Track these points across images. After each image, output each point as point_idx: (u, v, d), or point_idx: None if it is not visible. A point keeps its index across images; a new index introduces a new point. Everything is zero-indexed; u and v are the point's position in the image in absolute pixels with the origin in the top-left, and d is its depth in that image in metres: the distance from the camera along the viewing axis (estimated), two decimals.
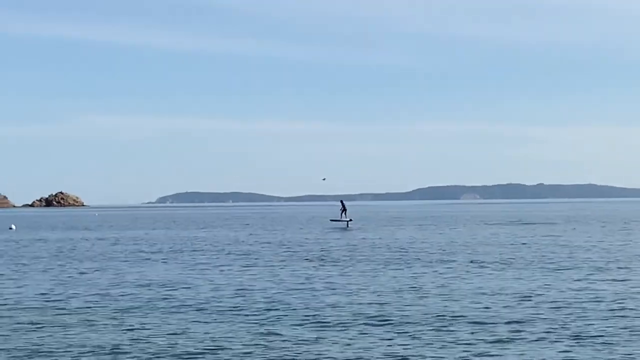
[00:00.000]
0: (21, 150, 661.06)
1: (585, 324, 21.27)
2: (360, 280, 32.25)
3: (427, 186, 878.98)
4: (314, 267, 38.69)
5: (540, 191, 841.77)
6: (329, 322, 22.00)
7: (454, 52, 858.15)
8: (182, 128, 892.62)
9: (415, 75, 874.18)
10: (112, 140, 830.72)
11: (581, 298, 26.24)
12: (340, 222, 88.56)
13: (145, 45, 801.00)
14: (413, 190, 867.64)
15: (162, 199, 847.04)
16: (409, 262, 40.98)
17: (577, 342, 19.02)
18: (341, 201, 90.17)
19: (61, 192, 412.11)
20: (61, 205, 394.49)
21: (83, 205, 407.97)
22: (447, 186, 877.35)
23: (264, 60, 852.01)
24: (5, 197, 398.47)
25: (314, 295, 27.58)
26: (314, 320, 22.31)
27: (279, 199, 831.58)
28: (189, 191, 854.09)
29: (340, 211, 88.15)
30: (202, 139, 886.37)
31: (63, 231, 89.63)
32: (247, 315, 23.49)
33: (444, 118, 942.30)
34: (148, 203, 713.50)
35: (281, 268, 38.15)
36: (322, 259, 43.15)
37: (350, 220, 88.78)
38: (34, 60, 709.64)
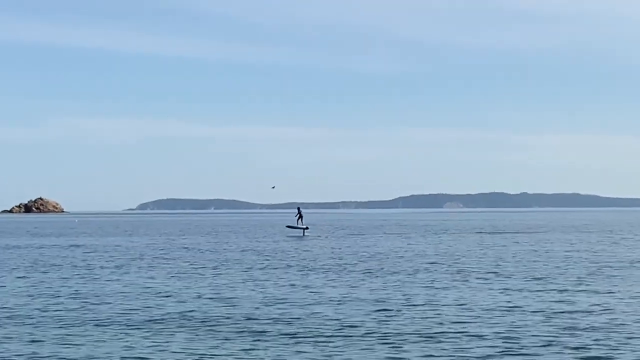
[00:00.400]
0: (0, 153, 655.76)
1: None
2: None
3: (409, 194, 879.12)
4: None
5: (524, 200, 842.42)
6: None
7: (438, 59, 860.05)
8: (165, 134, 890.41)
9: (399, 82, 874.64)
10: (92, 145, 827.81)
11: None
12: (296, 229, 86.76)
13: (129, 49, 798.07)
14: (396, 199, 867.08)
15: (143, 206, 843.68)
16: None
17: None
18: (298, 208, 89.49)
19: (40, 198, 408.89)
20: (41, 212, 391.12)
21: (63, 212, 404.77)
22: (430, 194, 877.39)
23: (249, 66, 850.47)
24: None
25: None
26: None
27: (260, 206, 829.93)
28: (170, 198, 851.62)
29: (297, 218, 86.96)
30: (185, 145, 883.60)
31: (40, 238, 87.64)
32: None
33: (427, 125, 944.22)
34: (128, 210, 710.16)
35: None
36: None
37: (307, 228, 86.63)
38: (13, 62, 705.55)
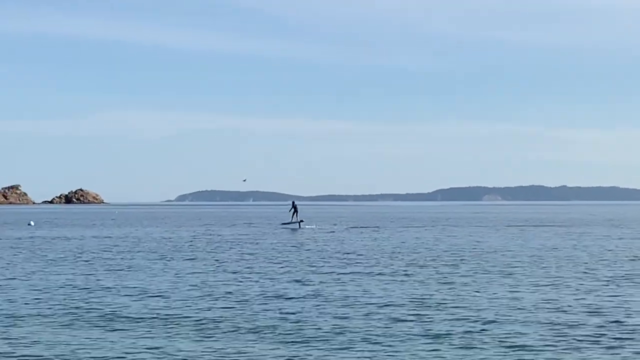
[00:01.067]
0: (41, 146, 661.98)
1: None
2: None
3: (448, 187, 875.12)
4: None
5: (563, 193, 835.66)
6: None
7: (476, 53, 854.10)
8: (204, 126, 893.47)
9: (438, 76, 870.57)
10: (133, 138, 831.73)
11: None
12: (291, 224, 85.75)
13: (168, 44, 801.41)
14: (434, 191, 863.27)
15: (182, 197, 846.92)
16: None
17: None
18: (293, 202, 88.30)
19: (81, 189, 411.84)
20: (81, 203, 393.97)
21: (103, 203, 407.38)
22: (469, 187, 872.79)
23: (286, 60, 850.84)
24: (25, 194, 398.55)
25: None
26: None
27: (298, 198, 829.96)
28: (208, 189, 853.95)
29: (291, 213, 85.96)
30: (223, 137, 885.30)
31: (81, 228, 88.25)
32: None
33: (467, 119, 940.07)
34: (167, 201, 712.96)
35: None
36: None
37: (302, 221, 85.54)
38: (55, 56, 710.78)
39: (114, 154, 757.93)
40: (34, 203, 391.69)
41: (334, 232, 76.81)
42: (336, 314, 23.34)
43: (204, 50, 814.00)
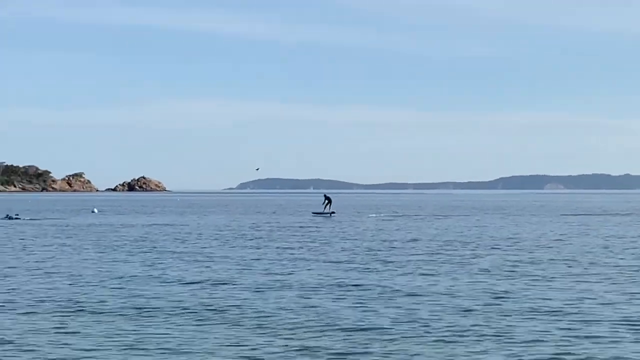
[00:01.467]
0: (105, 134, 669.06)
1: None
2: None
3: (510, 175, 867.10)
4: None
5: (627, 181, 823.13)
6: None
7: (536, 41, 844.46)
8: (264, 114, 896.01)
9: (499, 64, 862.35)
10: (194, 126, 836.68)
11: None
12: (323, 214, 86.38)
13: (229, 32, 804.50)
14: (495, 180, 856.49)
15: (243, 185, 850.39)
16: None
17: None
18: (325, 195, 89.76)
19: (143, 177, 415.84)
20: (143, 190, 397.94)
21: (165, 190, 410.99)
22: (531, 175, 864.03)
23: (345, 49, 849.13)
24: (89, 182, 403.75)
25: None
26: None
27: (358, 186, 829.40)
28: (270, 177, 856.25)
29: (324, 204, 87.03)
30: (284, 125, 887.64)
31: (144, 215, 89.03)
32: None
33: (529, 107, 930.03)
34: (228, 189, 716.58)
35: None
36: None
37: (334, 212, 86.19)
38: (120, 46, 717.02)
39: (177, 143, 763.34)
40: (97, 191, 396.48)
41: (394, 220, 76.35)
42: (403, 303, 23.00)
43: (265, 40, 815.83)
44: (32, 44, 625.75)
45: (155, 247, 43.84)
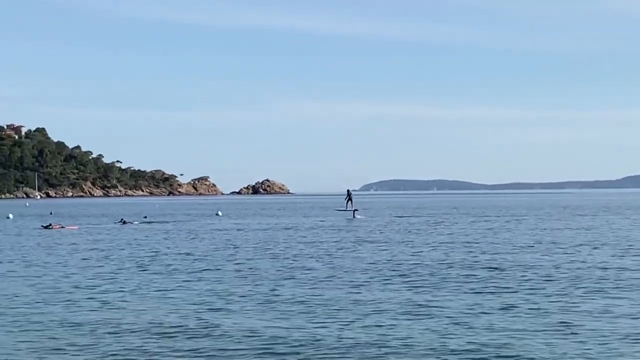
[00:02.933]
0: (229, 138, 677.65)
1: None
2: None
3: (637, 174, 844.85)
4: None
5: None
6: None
7: None
8: (387, 115, 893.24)
9: (621, 58, 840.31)
10: (316, 128, 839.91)
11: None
12: (345, 212, 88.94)
13: (347, 32, 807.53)
14: (623, 178, 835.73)
15: (366, 187, 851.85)
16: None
17: None
18: (348, 191, 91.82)
19: (267, 180, 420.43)
20: (267, 193, 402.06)
21: (289, 193, 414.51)
22: None
23: (464, 47, 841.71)
24: (214, 185, 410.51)
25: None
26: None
27: (484, 186, 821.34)
28: (393, 179, 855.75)
29: (346, 201, 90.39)
30: (407, 126, 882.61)
31: (268, 218, 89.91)
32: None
33: None
34: (352, 191, 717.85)
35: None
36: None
37: (356, 210, 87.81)
38: (244, 48, 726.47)
39: (300, 145, 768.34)
40: (222, 194, 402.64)
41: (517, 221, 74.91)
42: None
43: (382, 40, 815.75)
44: (156, 48, 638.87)
45: (275, 249, 43.80)
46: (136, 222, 77.71)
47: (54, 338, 18.60)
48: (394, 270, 31.55)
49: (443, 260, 35.27)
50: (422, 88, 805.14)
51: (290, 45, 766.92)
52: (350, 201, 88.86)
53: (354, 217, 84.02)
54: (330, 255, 39.02)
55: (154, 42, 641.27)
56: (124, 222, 75.64)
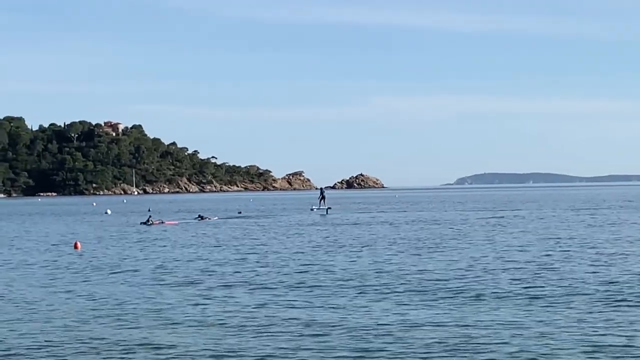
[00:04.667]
0: (323, 133, 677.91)
1: None
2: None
3: None
4: None
5: None
6: None
7: None
8: (480, 108, 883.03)
9: None
10: (411, 122, 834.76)
11: None
12: (319, 210, 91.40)
13: (436, 27, 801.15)
14: None
15: (461, 180, 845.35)
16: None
17: None
18: (321, 189, 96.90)
19: (361, 174, 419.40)
20: (362, 187, 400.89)
21: (383, 187, 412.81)
22: None
23: (553, 39, 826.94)
24: (308, 180, 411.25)
25: None
26: None
27: (580, 179, 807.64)
28: (488, 172, 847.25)
29: (319, 199, 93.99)
30: (500, 119, 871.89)
31: (363, 213, 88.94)
32: None
33: None
34: (446, 184, 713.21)
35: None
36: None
37: (330, 208, 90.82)
38: (343, 46, 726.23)
39: (394, 139, 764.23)
40: (316, 189, 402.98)
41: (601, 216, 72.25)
42: None
43: (473, 33, 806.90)
44: (243, 45, 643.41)
45: (377, 244, 42.49)
46: (215, 218, 76.92)
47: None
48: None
49: None
50: (514, 81, 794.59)
51: (383, 42, 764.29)
52: (323, 199, 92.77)
53: (327, 213, 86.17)
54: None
55: (243, 40, 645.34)
56: (202, 218, 74.99)
